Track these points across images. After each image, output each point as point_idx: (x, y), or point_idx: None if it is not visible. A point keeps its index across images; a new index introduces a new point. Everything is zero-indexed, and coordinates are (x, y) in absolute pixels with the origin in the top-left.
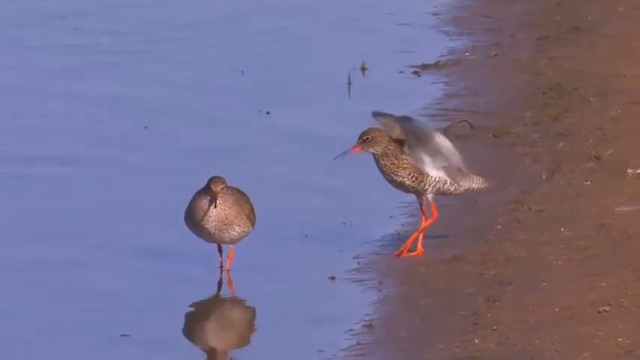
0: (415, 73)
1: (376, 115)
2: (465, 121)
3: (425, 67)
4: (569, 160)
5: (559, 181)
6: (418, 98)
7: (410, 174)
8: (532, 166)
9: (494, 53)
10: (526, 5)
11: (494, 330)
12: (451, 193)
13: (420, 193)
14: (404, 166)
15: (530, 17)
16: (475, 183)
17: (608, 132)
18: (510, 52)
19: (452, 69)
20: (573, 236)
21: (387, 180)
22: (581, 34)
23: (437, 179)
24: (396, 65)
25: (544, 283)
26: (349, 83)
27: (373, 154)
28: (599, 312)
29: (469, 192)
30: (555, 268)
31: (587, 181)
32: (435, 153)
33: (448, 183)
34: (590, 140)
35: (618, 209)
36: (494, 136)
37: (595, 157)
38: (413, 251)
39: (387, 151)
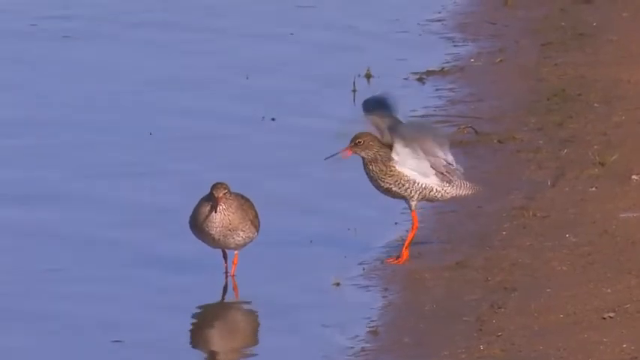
0: (420, 79)
1: (367, 109)
2: (470, 127)
3: (430, 73)
4: (573, 166)
5: (563, 187)
6: (423, 105)
7: (397, 181)
8: (537, 172)
9: (498, 59)
10: (530, 11)
11: (499, 336)
12: (438, 199)
13: (406, 199)
14: (391, 172)
15: (535, 23)
16: (463, 189)
17: (612, 138)
18: (515, 59)
19: (457, 75)
20: (578, 242)
21: (374, 186)
22: (585, 40)
23: (423, 186)
24: (401, 72)
25: (549, 289)
26: (354, 90)
27: (363, 158)
28: (604, 318)
29: (456, 198)
30: (560, 274)
31: (591, 187)
32: (423, 158)
33: (434, 190)
34: (595, 146)
35: (623, 215)
36: (499, 142)
37: (599, 163)
38: (399, 258)
39: (377, 156)
